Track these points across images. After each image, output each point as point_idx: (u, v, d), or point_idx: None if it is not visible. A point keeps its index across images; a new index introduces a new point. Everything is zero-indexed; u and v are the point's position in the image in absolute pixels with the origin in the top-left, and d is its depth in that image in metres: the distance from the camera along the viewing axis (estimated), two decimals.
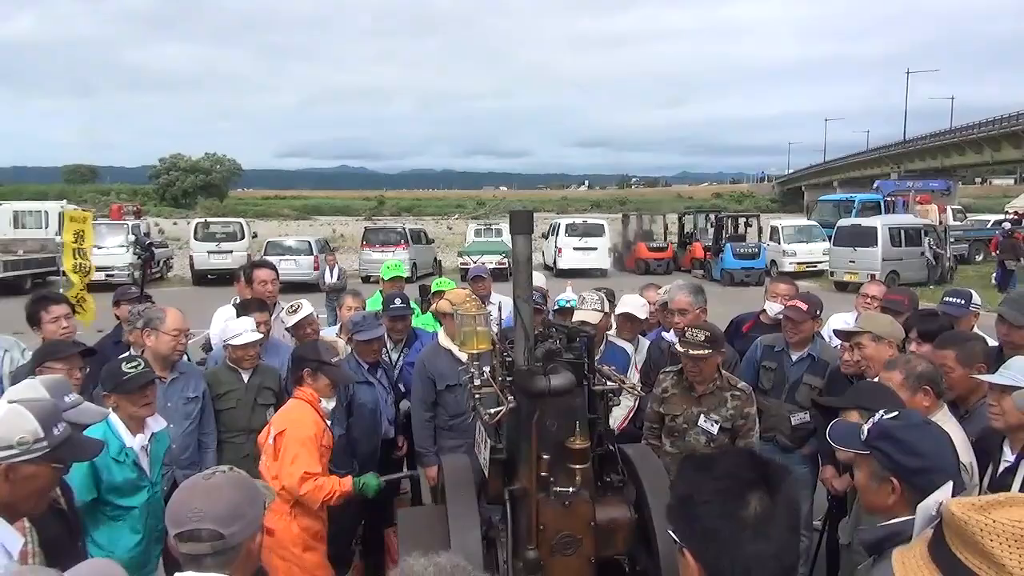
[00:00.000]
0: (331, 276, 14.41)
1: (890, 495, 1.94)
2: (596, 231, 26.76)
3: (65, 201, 29.03)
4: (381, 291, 6.16)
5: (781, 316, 4.64)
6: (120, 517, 3.18)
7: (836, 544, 3.86)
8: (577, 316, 4.53)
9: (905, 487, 1.90)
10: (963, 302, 4.52)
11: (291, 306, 5.14)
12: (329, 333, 5.55)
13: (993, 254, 22.25)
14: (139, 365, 3.26)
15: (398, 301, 5.16)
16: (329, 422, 3.83)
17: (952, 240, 23.73)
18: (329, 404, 3.83)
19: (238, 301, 5.21)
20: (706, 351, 3.74)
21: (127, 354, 3.86)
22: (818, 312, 4.56)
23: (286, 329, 5.14)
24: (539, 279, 5.38)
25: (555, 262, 26.23)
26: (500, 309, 3.62)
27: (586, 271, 24.88)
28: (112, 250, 20.86)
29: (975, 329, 4.34)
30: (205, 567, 1.77)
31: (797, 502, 1.44)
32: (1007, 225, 23.72)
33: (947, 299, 4.65)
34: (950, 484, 1.78)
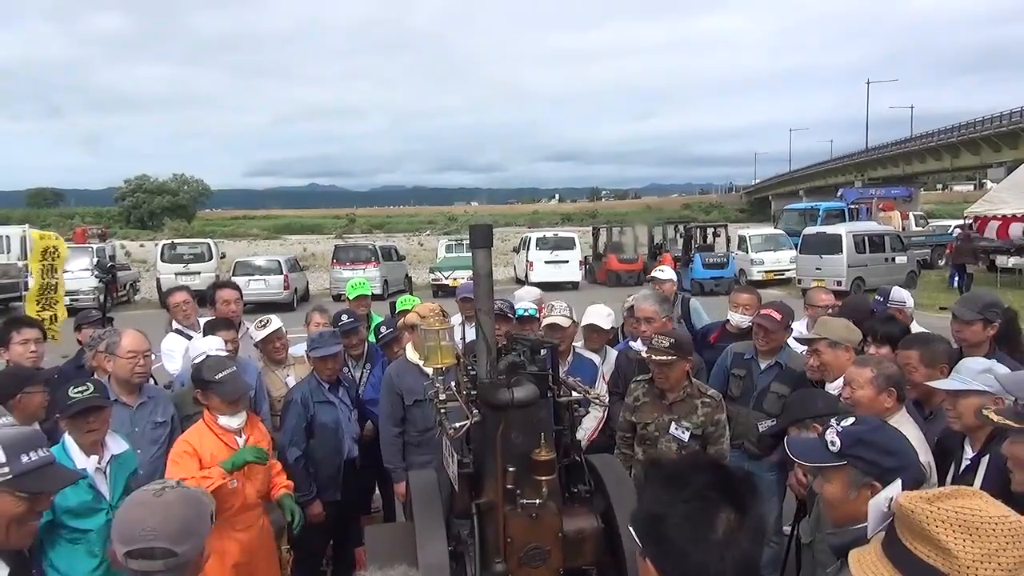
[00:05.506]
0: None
1: (868, 501, 1.92)
2: (567, 244, 26.87)
3: (27, 225, 28.51)
4: None
5: (752, 324, 4.65)
6: (77, 540, 3.10)
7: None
8: (547, 321, 4.59)
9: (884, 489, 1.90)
10: (882, 299, 4.99)
11: (260, 321, 5.11)
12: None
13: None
14: (87, 390, 3.18)
15: (345, 317, 5.19)
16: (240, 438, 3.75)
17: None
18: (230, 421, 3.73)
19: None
20: (671, 357, 3.79)
21: (81, 379, 3.79)
22: (790, 322, 4.60)
23: (254, 344, 5.11)
24: (534, 292, 5.49)
25: (527, 276, 26.19)
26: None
27: (558, 284, 24.91)
28: (77, 274, 20.44)
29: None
30: None
31: (764, 517, 1.47)
32: (958, 231, 24.23)
33: (876, 297, 5.06)
34: (899, 481, 1.83)
